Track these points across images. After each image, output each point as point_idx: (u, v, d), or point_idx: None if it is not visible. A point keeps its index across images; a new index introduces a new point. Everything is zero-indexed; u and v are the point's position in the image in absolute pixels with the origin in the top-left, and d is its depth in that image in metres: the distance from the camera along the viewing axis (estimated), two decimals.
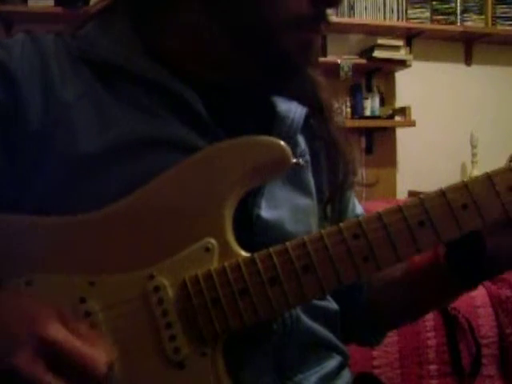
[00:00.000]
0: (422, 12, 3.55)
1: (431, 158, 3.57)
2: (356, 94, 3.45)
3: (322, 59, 3.13)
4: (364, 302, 0.78)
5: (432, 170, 3.53)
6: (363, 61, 3.36)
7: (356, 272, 0.56)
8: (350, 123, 3.26)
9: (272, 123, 0.67)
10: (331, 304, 0.71)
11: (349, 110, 3.39)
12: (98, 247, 0.56)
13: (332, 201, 0.74)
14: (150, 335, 0.54)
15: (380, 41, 3.32)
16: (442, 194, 0.58)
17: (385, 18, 3.48)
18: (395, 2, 3.48)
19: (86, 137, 0.59)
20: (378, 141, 3.57)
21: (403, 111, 3.44)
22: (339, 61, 3.23)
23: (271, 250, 0.56)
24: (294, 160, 0.58)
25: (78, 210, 0.57)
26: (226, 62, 0.65)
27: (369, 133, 3.53)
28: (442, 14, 3.58)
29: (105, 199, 0.57)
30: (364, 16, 3.44)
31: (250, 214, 0.62)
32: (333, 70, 3.16)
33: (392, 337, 1.19)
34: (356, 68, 3.29)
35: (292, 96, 0.70)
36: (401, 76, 3.58)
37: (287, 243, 0.56)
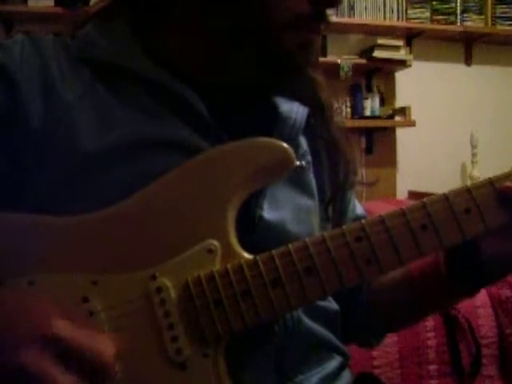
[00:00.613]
0: (422, 12, 3.55)
1: (431, 158, 3.57)
2: (356, 94, 3.45)
3: (321, 59, 3.12)
4: (364, 302, 0.79)
5: (432, 169, 3.53)
6: (363, 61, 3.36)
7: (358, 275, 0.56)
8: (350, 123, 3.26)
9: (274, 124, 0.67)
10: (332, 304, 0.72)
11: (349, 110, 3.39)
12: (101, 247, 0.56)
13: (333, 201, 0.74)
14: (152, 336, 0.54)
15: (380, 41, 3.33)
16: (445, 198, 0.58)
17: (385, 17, 3.48)
18: (395, 2, 3.48)
19: (88, 137, 0.59)
20: (378, 141, 3.57)
21: (403, 111, 3.44)
22: (339, 61, 3.23)
23: (274, 252, 0.56)
24: (297, 163, 0.59)
25: (79, 209, 0.57)
26: (225, 62, 0.66)
27: (369, 133, 3.53)
28: (442, 14, 3.58)
29: (106, 199, 0.57)
30: (364, 16, 3.44)
31: (252, 216, 0.62)
32: (333, 70, 3.16)
33: (392, 337, 1.19)
34: (356, 68, 3.29)
35: (292, 96, 0.70)
36: (401, 76, 3.58)
37: (290, 245, 0.56)
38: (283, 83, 0.69)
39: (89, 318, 0.54)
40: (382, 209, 0.58)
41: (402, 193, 3.54)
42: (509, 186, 0.58)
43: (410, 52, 3.52)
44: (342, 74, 3.19)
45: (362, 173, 3.41)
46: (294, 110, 0.68)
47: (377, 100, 3.47)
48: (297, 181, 0.68)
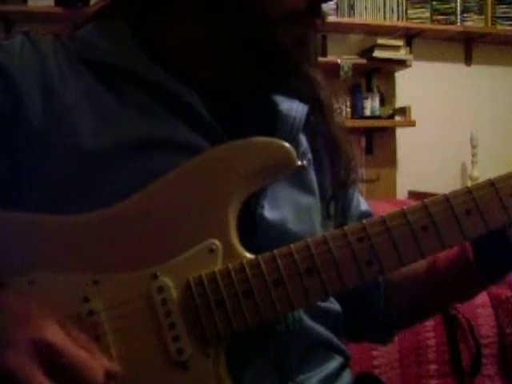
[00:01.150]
0: (422, 12, 3.55)
1: (431, 157, 3.57)
2: (356, 94, 3.45)
3: (321, 59, 3.12)
4: (382, 299, 0.78)
5: (432, 169, 3.53)
6: (363, 61, 3.36)
7: (360, 275, 0.56)
8: (349, 123, 3.25)
9: (274, 122, 0.67)
10: (333, 305, 0.72)
11: (349, 109, 3.39)
12: (102, 246, 0.56)
13: (335, 198, 0.74)
14: (154, 335, 0.54)
15: (380, 41, 3.32)
16: (445, 199, 0.58)
17: (385, 17, 3.48)
18: (395, 2, 3.48)
19: (89, 137, 0.59)
20: (378, 141, 3.57)
21: (403, 111, 3.44)
22: (339, 61, 3.23)
23: (275, 252, 0.56)
24: (299, 163, 0.59)
25: (79, 209, 0.57)
26: (225, 61, 0.66)
27: (369, 133, 3.53)
28: (442, 14, 3.58)
29: (107, 199, 0.57)
30: (364, 16, 3.44)
31: (253, 215, 0.62)
32: (333, 70, 3.16)
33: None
34: (356, 68, 3.29)
35: (292, 94, 0.70)
36: (401, 76, 3.58)
37: (291, 245, 0.56)
38: (281, 81, 0.69)
39: (89, 318, 0.53)
40: (382, 209, 0.59)
41: (402, 193, 3.54)
42: None
43: (410, 52, 3.52)
44: (342, 73, 3.19)
45: (362, 173, 3.41)
46: (293, 108, 0.68)
47: (377, 100, 3.47)
48: (297, 179, 0.68)
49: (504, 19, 3.67)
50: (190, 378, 0.54)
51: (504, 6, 3.67)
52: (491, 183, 0.59)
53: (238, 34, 0.63)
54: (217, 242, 0.57)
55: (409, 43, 3.59)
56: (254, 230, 0.62)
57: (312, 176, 0.71)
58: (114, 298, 0.55)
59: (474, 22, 3.63)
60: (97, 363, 0.48)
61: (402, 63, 3.41)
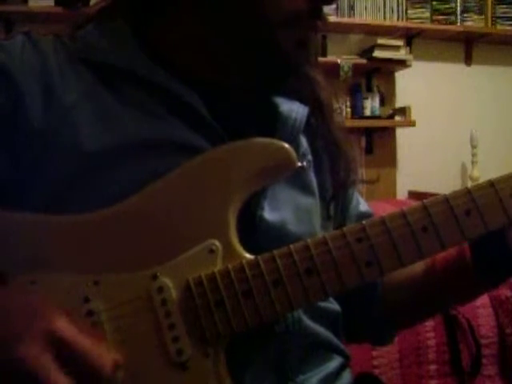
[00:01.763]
0: (422, 12, 3.55)
1: (431, 157, 3.57)
2: (356, 94, 3.45)
3: (322, 59, 3.12)
4: (379, 299, 0.78)
5: (432, 170, 3.53)
6: (363, 61, 3.36)
7: (359, 276, 0.56)
8: (349, 123, 3.26)
9: (275, 124, 0.67)
10: (333, 305, 0.72)
11: (349, 109, 3.39)
12: (103, 246, 0.57)
13: (335, 199, 0.74)
14: (153, 336, 0.54)
15: (380, 41, 3.33)
16: (445, 199, 0.58)
17: (385, 18, 3.48)
18: (395, 2, 3.48)
19: (89, 137, 0.59)
20: (378, 141, 3.57)
21: (403, 111, 3.44)
22: (339, 61, 3.23)
23: (275, 252, 0.56)
24: (299, 164, 0.59)
25: (80, 209, 0.57)
26: (224, 61, 0.66)
27: (369, 133, 3.53)
28: (442, 14, 3.58)
29: (107, 199, 0.57)
30: (364, 16, 3.44)
31: (253, 216, 0.62)
32: (333, 70, 3.16)
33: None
34: (356, 68, 3.29)
35: (292, 95, 0.70)
36: (401, 76, 3.58)
37: (291, 246, 0.56)
38: (281, 82, 0.69)
39: (89, 319, 0.53)
40: (382, 209, 0.59)
41: (402, 193, 3.55)
42: None
43: (410, 52, 3.52)
44: (342, 73, 3.19)
45: (362, 173, 3.41)
46: (294, 109, 0.68)
47: (377, 100, 3.47)
48: (297, 180, 0.68)
49: (504, 19, 3.67)
50: (189, 378, 0.54)
51: (504, 6, 3.67)
52: (491, 184, 0.59)
53: (238, 35, 0.63)
54: (217, 243, 0.57)
55: (409, 43, 3.59)
56: (253, 230, 0.62)
57: (312, 177, 0.71)
58: (114, 298, 0.54)
59: (474, 22, 3.63)
60: (106, 354, 0.48)
61: (402, 63, 3.42)
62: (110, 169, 0.59)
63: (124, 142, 0.60)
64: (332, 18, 3.13)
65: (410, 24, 3.51)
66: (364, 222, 0.57)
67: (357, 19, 3.41)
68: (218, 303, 0.55)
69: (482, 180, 0.60)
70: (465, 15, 3.62)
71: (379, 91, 3.52)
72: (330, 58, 3.26)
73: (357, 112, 3.42)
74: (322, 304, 0.69)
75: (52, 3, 2.93)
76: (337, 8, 3.31)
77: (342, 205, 0.78)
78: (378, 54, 3.31)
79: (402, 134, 3.59)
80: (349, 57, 3.33)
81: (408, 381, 1.19)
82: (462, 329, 1.24)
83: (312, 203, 0.70)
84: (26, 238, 0.56)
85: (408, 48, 3.53)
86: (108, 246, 0.57)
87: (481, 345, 1.24)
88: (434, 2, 3.57)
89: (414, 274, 0.76)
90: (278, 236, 0.62)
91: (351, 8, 3.41)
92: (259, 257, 0.56)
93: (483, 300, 1.28)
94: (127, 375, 0.52)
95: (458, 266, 0.70)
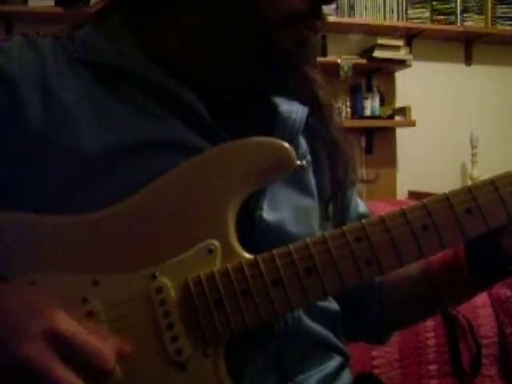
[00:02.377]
0: (422, 12, 3.55)
1: (431, 158, 3.57)
2: (356, 94, 3.45)
3: (321, 59, 3.13)
4: (377, 299, 0.78)
5: (432, 169, 3.53)
6: (363, 61, 3.36)
7: (359, 275, 0.56)
8: (349, 123, 3.26)
9: (274, 124, 0.67)
10: (332, 305, 0.72)
11: (349, 109, 3.39)
12: (102, 247, 0.57)
13: (333, 200, 0.74)
14: (153, 336, 0.54)
15: (380, 41, 3.33)
16: (445, 198, 0.58)
17: (385, 18, 3.48)
18: (395, 2, 3.48)
19: (89, 137, 0.59)
20: (378, 141, 3.57)
21: (403, 111, 3.44)
22: (339, 61, 3.23)
23: (274, 252, 0.56)
24: (298, 162, 0.59)
25: (79, 209, 0.57)
26: (223, 61, 0.66)
27: (369, 133, 3.53)
28: (442, 14, 3.58)
29: (107, 199, 0.57)
30: (364, 16, 3.44)
31: (252, 216, 0.62)
32: (333, 70, 3.16)
33: (392, 337, 1.19)
34: (356, 68, 3.29)
35: (291, 95, 0.70)
36: (401, 76, 3.58)
37: (290, 245, 0.56)
38: (280, 82, 0.69)
39: (89, 319, 0.54)
40: (382, 209, 0.58)
41: (401, 193, 3.54)
42: None
43: (410, 52, 3.52)
44: (341, 73, 3.19)
45: (362, 173, 3.41)
46: (293, 110, 0.68)
47: (377, 100, 3.47)
48: (296, 181, 0.68)
49: (504, 19, 3.67)
50: (188, 378, 0.54)
51: (504, 6, 3.67)
52: (491, 181, 0.59)
53: (237, 35, 0.63)
54: (216, 243, 0.57)
55: (409, 43, 3.59)
56: (252, 230, 0.62)
57: (311, 178, 0.71)
58: (113, 298, 0.55)
59: (474, 22, 3.63)
60: (107, 348, 0.49)
61: (402, 63, 3.41)
62: (110, 169, 0.59)
63: (124, 142, 0.60)
64: (332, 18, 3.13)
65: (410, 24, 3.51)
66: (363, 220, 0.57)
67: (357, 19, 3.41)
68: (217, 303, 0.55)
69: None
70: (465, 15, 3.62)
71: (379, 91, 3.52)
72: (329, 58, 3.26)
73: (357, 112, 3.42)
74: (322, 303, 0.69)
75: (52, 3, 2.93)
76: (337, 8, 3.31)
77: (341, 206, 0.78)
78: (377, 53, 3.31)
79: (401, 134, 3.59)
80: (349, 57, 3.33)
81: (408, 381, 1.19)
82: (462, 329, 1.24)
83: (311, 203, 0.70)
84: (25, 238, 0.56)
85: (408, 48, 3.52)
86: (107, 245, 0.57)
87: (481, 345, 1.24)
88: (434, 2, 3.57)
89: (410, 274, 0.76)
90: (276, 236, 0.62)
91: (351, 8, 3.41)
92: (258, 256, 0.56)
93: (483, 300, 1.28)
94: (127, 375, 0.52)
95: (453, 267, 0.70)
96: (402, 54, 3.39)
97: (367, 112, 3.44)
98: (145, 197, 0.58)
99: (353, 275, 0.56)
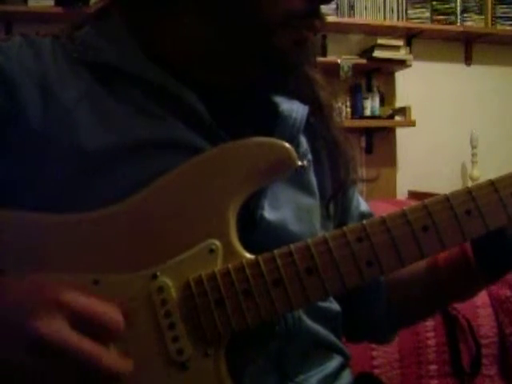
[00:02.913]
0: (422, 12, 3.55)
1: (431, 158, 3.57)
2: (356, 94, 3.45)
3: (321, 59, 3.13)
4: (383, 298, 0.78)
5: (432, 170, 3.53)
6: (363, 61, 3.36)
7: (360, 275, 0.56)
8: (349, 123, 3.26)
9: (274, 123, 0.67)
10: (333, 305, 0.72)
11: (349, 109, 3.39)
12: (103, 246, 0.57)
13: (335, 199, 0.74)
14: (153, 336, 0.54)
15: (380, 41, 3.32)
16: (445, 199, 0.58)
17: (385, 18, 3.48)
18: (395, 2, 3.48)
19: (89, 137, 0.59)
20: (378, 141, 3.57)
21: (403, 111, 3.44)
22: (339, 61, 3.23)
23: (275, 252, 0.56)
24: (299, 163, 0.59)
25: (80, 209, 0.57)
26: (223, 61, 0.66)
27: (369, 133, 3.53)
28: (442, 14, 3.58)
29: (107, 199, 0.57)
30: (364, 16, 3.44)
31: (253, 215, 0.62)
32: (333, 70, 3.16)
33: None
34: (356, 68, 3.29)
35: (291, 94, 0.70)
36: (401, 76, 3.58)
37: (291, 245, 0.56)
38: (280, 82, 0.69)
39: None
40: (382, 209, 0.59)
41: (402, 193, 3.54)
42: None
43: (410, 52, 3.52)
44: (341, 73, 3.19)
45: (362, 173, 3.41)
46: (294, 109, 0.68)
47: (377, 100, 3.47)
48: (297, 180, 0.68)
49: (504, 19, 3.67)
50: (189, 378, 0.54)
51: (504, 6, 3.67)
52: (491, 183, 0.59)
53: (236, 35, 0.63)
54: (217, 242, 0.57)
55: (409, 43, 3.59)
56: (253, 230, 0.62)
57: (312, 177, 0.71)
58: (113, 298, 0.54)
59: (474, 22, 3.63)
60: (115, 313, 0.50)
61: (402, 63, 3.41)
62: (110, 169, 0.59)
63: (124, 141, 0.60)
64: (332, 18, 3.14)
65: (410, 24, 3.51)
66: (364, 221, 0.57)
67: (357, 19, 3.41)
68: (218, 303, 0.55)
69: (482, 180, 0.60)
70: (465, 15, 3.62)
71: (379, 91, 3.52)
72: (329, 58, 3.26)
73: (357, 112, 3.42)
74: (322, 304, 0.69)
75: (52, 3, 2.93)
76: (337, 8, 3.31)
77: (342, 205, 0.78)
78: (377, 54, 3.31)
79: (401, 133, 3.59)
80: (349, 57, 3.33)
81: (408, 381, 1.19)
82: (462, 329, 1.24)
83: (312, 203, 0.70)
84: (25, 237, 0.56)
85: (408, 48, 3.52)
86: (108, 245, 0.57)
87: (481, 345, 1.24)
88: (434, 2, 3.57)
89: (416, 272, 0.76)
90: (278, 235, 0.62)
91: (351, 8, 3.41)
92: (259, 256, 0.56)
93: (483, 300, 1.28)
94: (128, 374, 0.52)
95: (459, 263, 0.70)
96: (402, 54, 3.39)
97: (367, 112, 3.44)
98: (145, 197, 0.58)
99: (353, 276, 0.56)
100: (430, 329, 1.23)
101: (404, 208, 0.58)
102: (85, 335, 0.47)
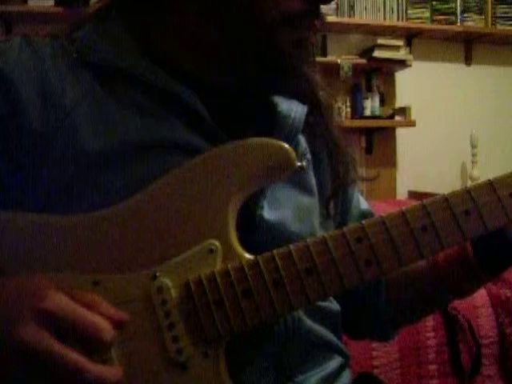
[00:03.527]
0: (422, 12, 3.55)
1: (431, 158, 3.57)
2: (356, 93, 3.45)
3: (321, 59, 3.13)
4: (384, 296, 0.78)
5: (432, 170, 3.53)
6: (363, 61, 3.36)
7: (359, 275, 0.56)
8: (349, 123, 3.26)
9: (273, 123, 0.67)
10: (333, 305, 0.72)
11: (349, 109, 3.39)
12: (102, 247, 0.57)
13: (334, 198, 0.74)
14: (153, 336, 0.54)
15: (380, 41, 3.33)
16: (444, 199, 0.58)
17: (385, 18, 3.48)
18: (395, 2, 3.48)
19: (88, 139, 0.59)
20: (378, 141, 3.57)
21: (403, 111, 3.44)
22: (339, 61, 3.23)
23: (274, 252, 0.56)
24: (299, 164, 0.59)
25: (80, 210, 0.57)
26: (223, 61, 0.66)
27: (369, 133, 3.53)
28: (442, 14, 3.58)
29: (107, 200, 0.57)
30: (364, 16, 3.44)
31: (252, 216, 0.62)
32: (333, 69, 3.16)
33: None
34: (356, 68, 3.29)
35: (290, 94, 0.70)
36: (401, 76, 3.58)
37: (291, 246, 0.56)
38: (279, 82, 0.69)
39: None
40: (382, 209, 0.59)
41: (402, 193, 3.55)
42: None
43: (410, 52, 3.52)
44: (341, 73, 3.19)
45: (362, 173, 3.41)
46: (293, 109, 0.68)
47: (377, 100, 3.46)
48: (297, 180, 0.68)
49: (504, 19, 3.67)
50: (189, 378, 0.54)
51: (504, 6, 3.67)
52: (490, 183, 0.59)
53: (236, 36, 0.63)
54: (216, 243, 0.57)
55: (409, 43, 3.59)
56: (253, 230, 0.62)
57: (311, 176, 0.71)
58: (114, 298, 0.54)
59: (474, 22, 3.63)
60: (103, 321, 0.49)
61: (402, 63, 3.41)
62: (110, 169, 0.59)
63: (124, 142, 0.60)
64: (332, 18, 3.14)
65: (410, 24, 3.51)
66: (363, 221, 0.57)
67: (357, 19, 3.41)
68: (217, 303, 0.55)
69: (481, 180, 0.60)
70: (465, 15, 3.62)
71: (379, 91, 3.52)
72: (329, 58, 3.25)
73: (357, 112, 3.42)
74: (322, 304, 0.69)
75: (52, 3, 2.93)
76: (337, 8, 3.31)
77: (343, 204, 0.78)
78: (377, 54, 3.31)
79: (401, 134, 3.59)
80: (349, 57, 3.33)
81: (408, 381, 1.19)
82: (462, 329, 1.24)
83: (311, 202, 0.70)
84: (25, 237, 0.56)
85: (408, 48, 3.53)
86: (108, 245, 0.57)
87: (481, 345, 1.24)
88: (434, 2, 3.57)
89: (416, 270, 0.76)
90: (277, 235, 0.62)
91: (351, 8, 3.41)
92: (259, 257, 0.56)
93: (483, 300, 1.28)
94: (127, 374, 0.52)
95: (459, 260, 0.70)
96: (401, 54, 3.39)
97: (367, 112, 3.44)
98: (145, 197, 0.58)
99: (353, 276, 0.56)
100: (430, 329, 1.23)
101: (403, 208, 0.58)
102: (73, 343, 0.47)
